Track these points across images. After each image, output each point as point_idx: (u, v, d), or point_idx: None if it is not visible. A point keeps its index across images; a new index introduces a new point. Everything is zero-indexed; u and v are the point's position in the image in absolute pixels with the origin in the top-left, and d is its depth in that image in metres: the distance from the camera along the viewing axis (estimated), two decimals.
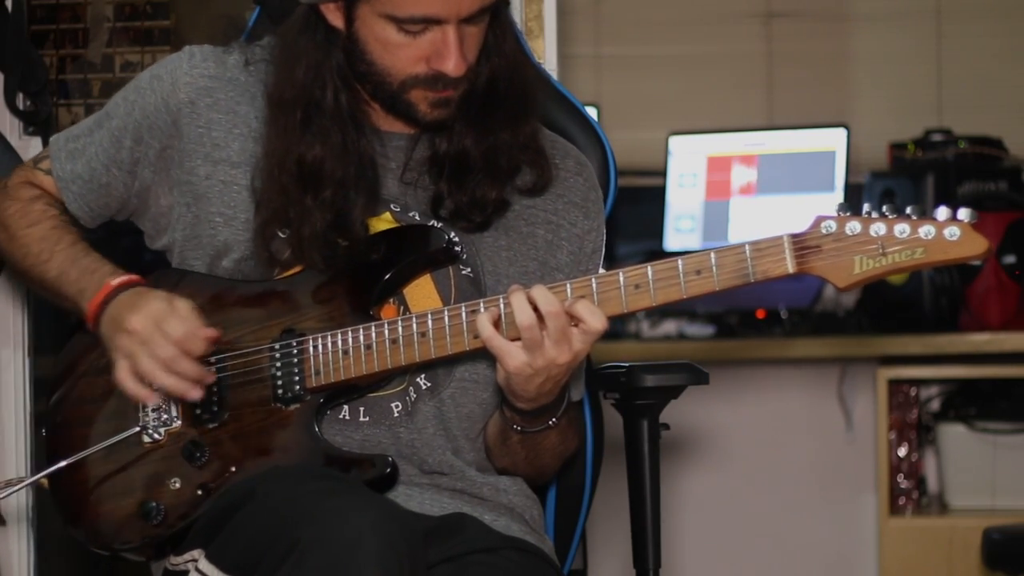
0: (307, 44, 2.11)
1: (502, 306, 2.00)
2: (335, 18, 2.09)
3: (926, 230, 1.88)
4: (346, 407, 2.13)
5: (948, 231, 1.87)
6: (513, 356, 1.97)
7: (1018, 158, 4.15)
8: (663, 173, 4.25)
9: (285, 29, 2.15)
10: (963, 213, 1.88)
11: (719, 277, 1.96)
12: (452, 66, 2.05)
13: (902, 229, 1.89)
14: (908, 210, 1.90)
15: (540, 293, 1.96)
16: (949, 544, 3.93)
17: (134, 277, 2.13)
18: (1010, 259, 3.95)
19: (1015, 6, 4.40)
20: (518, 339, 1.97)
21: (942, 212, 1.88)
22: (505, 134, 2.14)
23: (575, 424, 2.23)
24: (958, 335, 3.96)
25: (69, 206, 2.22)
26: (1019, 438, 4.02)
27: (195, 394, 2.06)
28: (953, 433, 4.06)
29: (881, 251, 1.90)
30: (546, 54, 2.92)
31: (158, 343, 2.04)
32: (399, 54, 2.06)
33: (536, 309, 1.95)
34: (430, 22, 2.03)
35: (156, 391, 2.06)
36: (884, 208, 1.90)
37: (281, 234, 2.13)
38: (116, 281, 2.12)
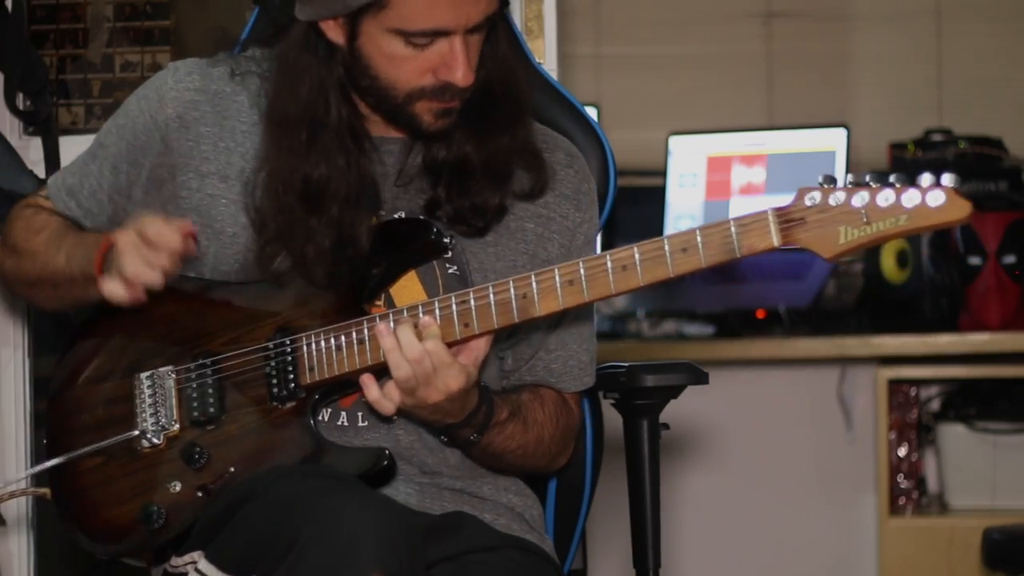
0: (308, 61, 2.10)
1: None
2: (336, 35, 2.08)
3: (909, 196, 1.89)
4: (344, 414, 2.13)
5: (931, 196, 1.88)
6: (384, 404, 2.02)
7: (1018, 158, 4.15)
8: (663, 173, 4.25)
9: (285, 47, 2.14)
10: (946, 179, 1.89)
11: (705, 254, 1.96)
12: (461, 76, 2.05)
13: (885, 197, 1.90)
14: (892, 178, 1.90)
15: (404, 336, 1.99)
16: (949, 544, 3.93)
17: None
18: (1010, 259, 3.96)
19: (1015, 6, 4.40)
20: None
21: (925, 179, 1.89)
22: (504, 138, 2.14)
23: (546, 415, 2.20)
24: (958, 335, 3.96)
25: None
26: (1019, 438, 4.02)
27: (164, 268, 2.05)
28: (953, 433, 4.06)
29: (865, 219, 1.90)
30: (546, 54, 2.92)
31: (133, 244, 2.03)
32: (405, 67, 2.06)
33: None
34: (439, 34, 2.04)
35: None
36: (867, 178, 1.91)
37: (273, 262, 2.12)
38: (117, 232, 2.10)
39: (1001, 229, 3.94)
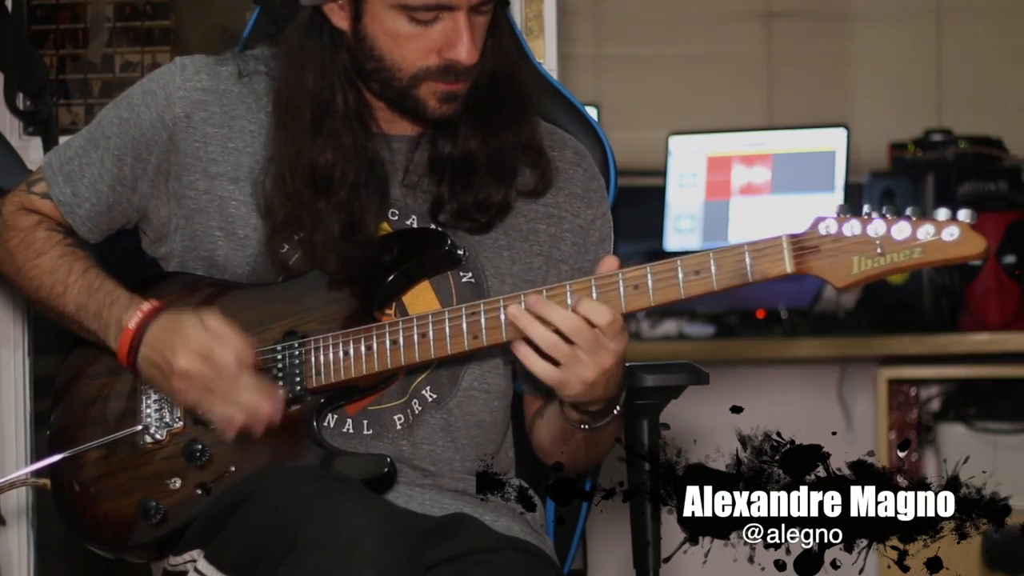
0: (313, 47, 2.11)
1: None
2: (339, 19, 2.09)
3: (925, 230, 1.89)
4: (350, 421, 2.13)
5: (947, 231, 1.88)
6: (570, 385, 1.98)
7: (1018, 158, 4.15)
8: (663, 173, 4.26)
9: (289, 33, 2.14)
10: (962, 214, 1.88)
11: (718, 277, 1.96)
12: (464, 53, 2.05)
13: (900, 229, 1.89)
14: (908, 211, 1.90)
15: (556, 311, 1.96)
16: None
17: (146, 308, 2.10)
18: (1010, 259, 3.96)
19: (1015, 6, 4.40)
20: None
21: (941, 213, 1.89)
22: (508, 135, 2.14)
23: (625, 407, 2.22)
24: (958, 335, 3.96)
25: (77, 229, 2.20)
26: (1019, 438, 4.02)
27: (279, 394, 2.05)
28: (953, 433, 4.06)
29: (879, 251, 1.90)
30: (546, 54, 2.92)
31: (215, 379, 2.02)
32: (410, 46, 2.06)
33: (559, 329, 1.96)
34: (442, 8, 2.04)
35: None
36: (884, 209, 1.91)
37: (282, 249, 2.12)
38: (134, 322, 2.09)
39: (1001, 229, 3.94)
